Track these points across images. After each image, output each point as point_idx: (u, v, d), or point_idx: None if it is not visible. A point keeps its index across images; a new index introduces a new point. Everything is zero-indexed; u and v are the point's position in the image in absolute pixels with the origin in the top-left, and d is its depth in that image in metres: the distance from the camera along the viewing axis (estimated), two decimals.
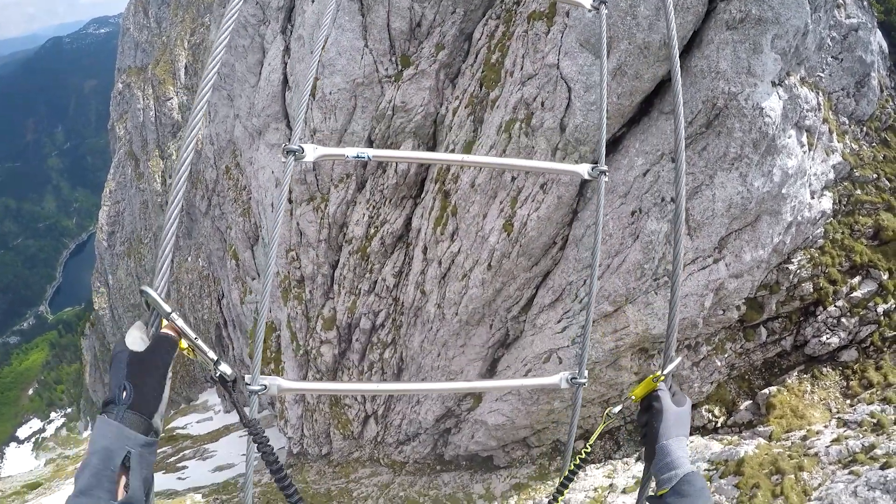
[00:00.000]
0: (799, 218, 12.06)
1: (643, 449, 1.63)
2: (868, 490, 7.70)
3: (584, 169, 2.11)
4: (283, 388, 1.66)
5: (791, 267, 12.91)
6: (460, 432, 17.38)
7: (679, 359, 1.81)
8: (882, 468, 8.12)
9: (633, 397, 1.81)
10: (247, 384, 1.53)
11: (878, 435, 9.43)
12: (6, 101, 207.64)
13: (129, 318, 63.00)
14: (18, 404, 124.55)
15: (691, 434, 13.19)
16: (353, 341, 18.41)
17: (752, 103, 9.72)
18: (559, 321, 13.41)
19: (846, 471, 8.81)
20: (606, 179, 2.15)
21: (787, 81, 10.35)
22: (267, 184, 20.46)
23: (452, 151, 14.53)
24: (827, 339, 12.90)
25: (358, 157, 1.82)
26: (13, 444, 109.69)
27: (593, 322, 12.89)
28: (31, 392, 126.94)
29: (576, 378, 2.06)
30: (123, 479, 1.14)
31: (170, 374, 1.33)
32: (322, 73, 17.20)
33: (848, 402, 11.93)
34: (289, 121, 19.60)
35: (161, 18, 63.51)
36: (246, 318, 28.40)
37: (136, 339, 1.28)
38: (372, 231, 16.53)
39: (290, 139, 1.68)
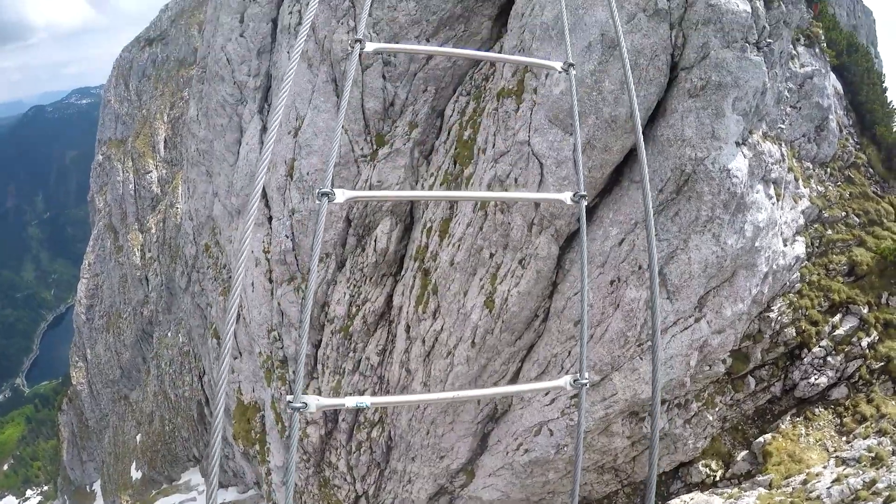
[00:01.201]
0: (774, 266, 12.30)
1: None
2: None
3: (566, 196, 2.33)
4: (321, 405, 1.80)
5: (772, 315, 13.06)
6: None
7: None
8: (885, 503, 8.08)
9: None
10: (289, 402, 1.67)
11: (877, 469, 9.37)
12: None
13: (107, 393, 61.13)
14: None
15: (690, 491, 13.00)
16: (340, 421, 18.06)
17: (718, 166, 10.06)
18: (547, 394, 13.31)
19: None
20: (586, 203, 2.36)
21: (750, 140, 10.75)
22: (247, 263, 20.47)
23: (430, 230, 14.74)
24: (815, 379, 12.96)
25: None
26: None
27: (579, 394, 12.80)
28: (6, 468, 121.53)
29: (578, 379, 2.16)
30: None
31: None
32: (299, 153, 17.55)
33: (844, 438, 11.90)
34: (268, 200, 19.79)
35: (141, 91, 64.61)
36: (229, 398, 27.76)
37: None
38: (353, 310, 16.51)
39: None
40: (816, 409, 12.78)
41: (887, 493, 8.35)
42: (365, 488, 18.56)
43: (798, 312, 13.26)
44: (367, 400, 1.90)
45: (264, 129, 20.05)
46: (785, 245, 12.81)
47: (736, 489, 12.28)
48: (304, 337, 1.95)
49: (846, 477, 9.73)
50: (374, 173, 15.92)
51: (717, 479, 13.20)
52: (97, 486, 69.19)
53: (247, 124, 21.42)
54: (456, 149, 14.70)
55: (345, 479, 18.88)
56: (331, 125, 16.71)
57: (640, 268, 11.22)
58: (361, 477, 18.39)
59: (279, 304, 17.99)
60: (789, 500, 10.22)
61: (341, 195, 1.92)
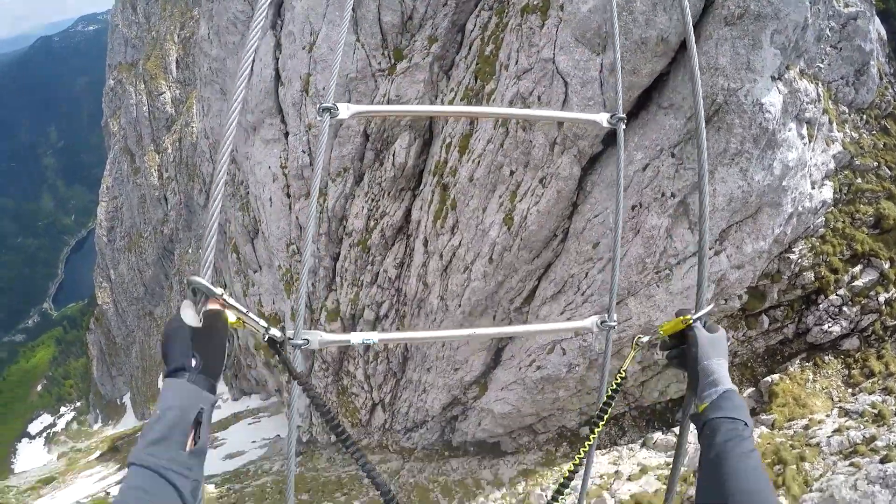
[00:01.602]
0: (800, 208, 12.09)
1: (685, 375, 1.80)
2: (868, 484, 7.73)
3: (602, 117, 2.20)
4: (324, 341, 1.73)
5: (792, 256, 12.93)
6: (467, 419, 17.65)
7: (711, 306, 1.86)
8: (882, 462, 8.14)
9: (662, 332, 1.89)
10: (289, 338, 1.61)
11: (878, 426, 9.42)
12: None
13: (132, 310, 63.43)
14: (28, 401, 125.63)
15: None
16: (358, 331, 18.60)
17: (751, 99, 9.69)
18: (562, 312, 13.51)
19: (847, 462, 8.85)
20: (624, 127, 2.25)
21: (786, 75, 10.31)
22: (264, 179, 20.50)
23: (449, 145, 14.58)
24: (829, 327, 12.90)
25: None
26: (25, 440, 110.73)
27: (595, 314, 13.01)
28: (39, 388, 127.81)
29: (605, 321, 2.15)
30: (192, 433, 1.28)
31: (228, 344, 1.50)
32: (314, 68, 17.18)
33: (850, 390, 11.91)
34: (283, 116, 19.58)
35: (150, 14, 62.91)
36: (250, 310, 28.57)
37: (192, 317, 1.40)
38: (372, 224, 16.64)
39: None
40: (826, 357, 12.81)
41: (885, 453, 8.43)
42: (381, 397, 19.42)
43: (819, 258, 13.03)
44: (374, 336, 1.79)
45: (278, 46, 19.54)
46: (812, 188, 12.48)
47: None
48: (303, 276, 1.83)
49: (847, 429, 9.82)
50: (393, 88, 15.59)
51: None
52: (127, 399, 73.13)
53: (259, 41, 20.87)
54: (477, 64, 14.26)
55: (362, 388, 19.73)
56: (347, 39, 16.22)
57: (662, 195, 11.05)
58: (378, 386, 19.19)
59: (297, 218, 18.19)
60: (790, 442, 10.39)
61: (345, 110, 1.77)
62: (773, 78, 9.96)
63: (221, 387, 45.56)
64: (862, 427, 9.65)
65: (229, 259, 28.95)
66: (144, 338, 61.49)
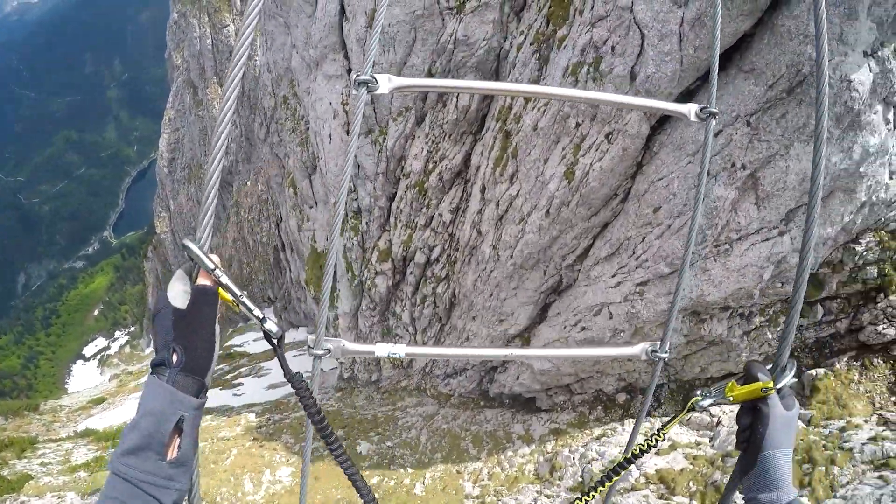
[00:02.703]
0: (874, 198, 11.17)
1: (740, 454, 1.53)
2: (892, 501, 7.40)
3: (691, 109, 1.89)
4: (346, 350, 1.64)
5: (858, 248, 12.02)
6: (506, 372, 17.77)
7: (793, 371, 1.55)
8: None
9: (732, 397, 1.60)
10: (309, 347, 1.50)
11: None
12: (64, 37, 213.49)
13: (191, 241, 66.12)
14: (85, 324, 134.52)
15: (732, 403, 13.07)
16: (408, 274, 18.74)
17: (839, 74, 8.83)
18: (613, 275, 13.17)
19: (876, 473, 8.50)
20: (715, 123, 1.98)
21: (880, 52, 9.32)
22: (325, 115, 20.49)
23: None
24: (883, 329, 11.97)
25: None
26: (80, 362, 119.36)
27: (647, 281, 12.66)
28: (96, 313, 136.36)
29: (657, 352, 1.97)
30: (176, 440, 1.15)
31: (218, 329, 1.29)
32: (380, 2, 16.77)
33: (893, 399, 11.28)
34: (346, 52, 19.34)
35: None
36: (303, 245, 29.28)
37: (179, 294, 1.24)
38: (430, 166, 16.47)
39: (349, 70, 1.56)
40: (875, 360, 11.94)
41: None
42: (425, 340, 19.70)
43: (886, 253, 12.00)
44: (400, 349, 1.65)
45: None
46: (891, 178, 11.48)
47: None
48: (326, 287, 1.69)
49: (883, 440, 9.29)
50: (461, 27, 15.08)
51: None
52: None
53: None
54: (550, 7, 13.54)
55: (406, 330, 20.06)
56: None
57: (732, 165, 10.35)
58: (423, 329, 19.45)
59: (355, 156, 18.20)
60: (823, 442, 10.00)
61: (385, 83, 1.57)
62: (865, 54, 9.00)
63: (271, 317, 47.33)
64: None
65: (286, 193, 29.46)
66: None
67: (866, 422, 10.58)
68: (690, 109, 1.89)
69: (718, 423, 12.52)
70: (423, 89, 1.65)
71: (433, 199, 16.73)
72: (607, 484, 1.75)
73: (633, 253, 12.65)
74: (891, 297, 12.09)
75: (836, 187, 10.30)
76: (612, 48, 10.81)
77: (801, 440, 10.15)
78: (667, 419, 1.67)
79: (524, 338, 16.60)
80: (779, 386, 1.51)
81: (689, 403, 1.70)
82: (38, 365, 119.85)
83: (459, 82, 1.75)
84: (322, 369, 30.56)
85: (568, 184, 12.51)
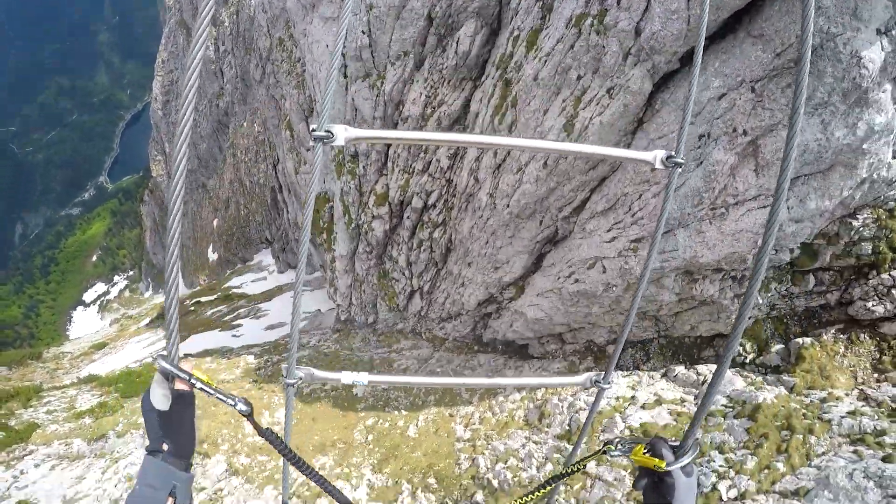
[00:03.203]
0: (875, 176, 11.07)
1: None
2: (864, 478, 7.61)
3: (657, 156, 1.89)
4: (315, 377, 1.80)
5: (854, 223, 12.00)
6: (500, 318, 18.07)
7: (694, 455, 1.69)
8: (884, 460, 7.94)
9: (633, 459, 1.74)
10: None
11: (892, 421, 9.13)
12: None
13: (186, 183, 65.53)
14: (84, 270, 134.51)
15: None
16: (405, 218, 18.78)
17: (850, 49, 8.61)
18: (609, 230, 13.24)
19: (852, 448, 8.72)
20: (680, 171, 1.94)
21: (893, 31, 9.12)
22: (321, 58, 20.02)
23: (517, 38, 13.76)
24: (872, 305, 12.12)
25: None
26: (80, 308, 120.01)
27: (641, 238, 12.69)
28: (94, 258, 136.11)
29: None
30: (171, 500, 1.44)
31: (196, 420, 1.58)
32: None
33: (875, 375, 11.41)
34: None
35: None
36: (300, 188, 29.14)
37: (161, 398, 1.47)
38: (428, 111, 16.24)
39: (316, 128, 1.51)
40: (862, 335, 12.07)
41: (890, 451, 8.14)
42: (421, 284, 19.95)
43: (882, 231, 11.94)
44: (363, 378, 1.82)
45: None
46: (894, 157, 11.37)
47: (760, 378, 12.34)
48: (295, 319, 1.79)
49: (862, 415, 9.46)
50: None
51: (746, 361, 13.23)
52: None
53: None
54: None
55: (403, 274, 20.26)
56: None
57: (734, 130, 10.23)
58: (419, 273, 19.65)
59: (353, 99, 17.88)
60: (803, 410, 10.18)
61: (342, 135, 1.55)
62: (878, 31, 8.75)
63: (268, 259, 47.62)
64: (876, 417, 9.32)
65: (283, 135, 29.10)
66: (196, 209, 63.93)
67: (847, 395, 10.80)
68: (656, 156, 1.87)
69: (704, 381, 12.87)
70: (377, 140, 1.67)
71: (431, 145, 16.59)
72: (546, 489, 1.99)
73: (630, 209, 12.68)
74: (883, 276, 12.20)
75: (837, 161, 10.24)
76: (618, 1, 10.50)
77: (783, 406, 10.38)
78: (586, 456, 1.83)
79: (518, 286, 16.82)
80: (680, 465, 1.66)
81: (602, 448, 1.82)
82: (38, 313, 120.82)
83: (418, 134, 1.74)
84: (320, 310, 31.02)
85: (567, 136, 12.40)
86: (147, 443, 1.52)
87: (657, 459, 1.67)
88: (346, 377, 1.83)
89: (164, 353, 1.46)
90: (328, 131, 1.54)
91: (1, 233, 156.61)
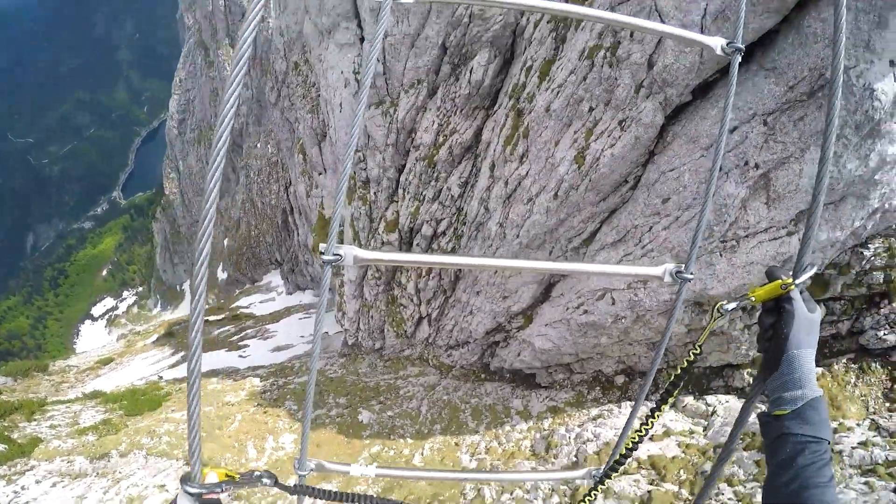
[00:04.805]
0: (887, 206, 11.00)
1: (763, 356, 1.56)
2: None
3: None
4: (359, 259, 1.68)
5: (866, 252, 11.90)
6: (508, 347, 17.93)
7: (815, 269, 1.57)
8: (895, 491, 7.81)
9: (753, 297, 1.65)
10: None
11: None
12: None
13: (198, 201, 66.41)
14: (93, 284, 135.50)
15: (728, 394, 13.11)
16: (414, 245, 18.81)
17: (863, 82, 8.61)
18: (618, 262, 13.15)
19: (863, 479, 8.55)
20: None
21: None
22: (336, 83, 20.31)
23: (530, 69, 13.90)
24: (884, 334, 11.96)
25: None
26: (88, 322, 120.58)
27: (694, 258, 12.61)
28: (104, 273, 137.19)
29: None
30: None
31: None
32: None
33: (888, 405, 11.27)
34: (360, 20, 19.07)
35: None
36: (311, 211, 29.31)
37: None
38: (440, 139, 16.36)
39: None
40: (873, 364, 11.93)
41: None
42: (429, 311, 19.86)
43: (893, 260, 11.93)
44: (371, 471, 1.89)
45: None
46: None
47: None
48: (306, 419, 1.83)
49: (874, 445, 9.29)
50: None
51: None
52: (186, 287, 78.07)
53: None
54: None
55: (411, 300, 20.20)
56: None
57: (745, 164, 10.20)
58: (427, 300, 19.58)
59: (366, 126, 18.10)
60: None
61: (350, 258, 1.59)
62: (892, 63, 8.78)
63: (277, 280, 47.66)
64: (888, 447, 9.11)
65: (296, 158, 29.42)
66: None
67: (858, 425, 10.58)
68: (665, 270, 1.89)
69: (713, 412, 12.63)
70: (383, 263, 1.69)
71: (442, 173, 16.67)
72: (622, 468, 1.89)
73: (640, 241, 12.60)
74: (894, 305, 12.07)
75: (849, 193, 10.15)
76: (631, 34, 10.57)
77: None
78: (706, 326, 1.69)
79: (527, 315, 16.72)
80: (798, 281, 1.54)
81: (716, 307, 1.72)
82: (46, 325, 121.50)
83: (423, 257, 1.75)
84: (327, 332, 30.92)
85: (578, 168, 12.41)
86: None
87: (779, 280, 1.54)
88: (356, 469, 1.88)
89: (187, 474, 1.39)
90: (336, 254, 1.59)
91: (13, 243, 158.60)
